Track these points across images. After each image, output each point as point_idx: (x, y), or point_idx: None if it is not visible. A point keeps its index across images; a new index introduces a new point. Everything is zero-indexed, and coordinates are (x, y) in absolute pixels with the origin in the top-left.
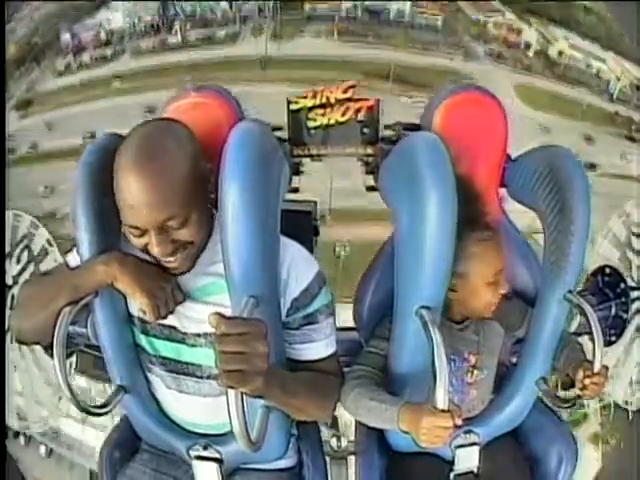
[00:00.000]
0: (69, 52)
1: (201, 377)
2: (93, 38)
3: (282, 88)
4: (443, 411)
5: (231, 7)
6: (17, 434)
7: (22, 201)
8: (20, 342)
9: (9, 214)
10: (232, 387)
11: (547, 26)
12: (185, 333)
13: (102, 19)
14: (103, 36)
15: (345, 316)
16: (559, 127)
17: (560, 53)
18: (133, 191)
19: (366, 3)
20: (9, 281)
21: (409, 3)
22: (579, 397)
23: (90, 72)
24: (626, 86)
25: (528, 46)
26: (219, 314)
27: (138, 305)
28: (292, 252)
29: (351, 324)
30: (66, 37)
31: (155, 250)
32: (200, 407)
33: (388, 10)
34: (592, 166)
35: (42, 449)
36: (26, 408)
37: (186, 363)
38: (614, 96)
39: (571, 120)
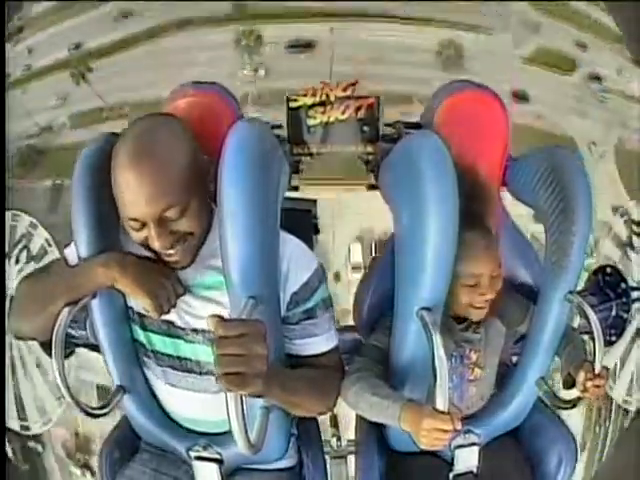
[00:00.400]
0: None
1: (200, 373)
2: None
3: None
4: (443, 413)
5: None
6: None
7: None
8: (17, 337)
9: (8, 214)
10: (231, 390)
11: None
12: (183, 328)
13: None
14: None
15: None
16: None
17: None
18: (131, 183)
19: None
20: (9, 281)
21: None
22: (580, 398)
23: None
24: None
25: None
26: (217, 316)
27: (140, 304)
28: (292, 247)
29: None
30: None
31: (155, 243)
32: (199, 403)
33: None
34: (597, 78)
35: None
36: (26, 408)
37: (184, 359)
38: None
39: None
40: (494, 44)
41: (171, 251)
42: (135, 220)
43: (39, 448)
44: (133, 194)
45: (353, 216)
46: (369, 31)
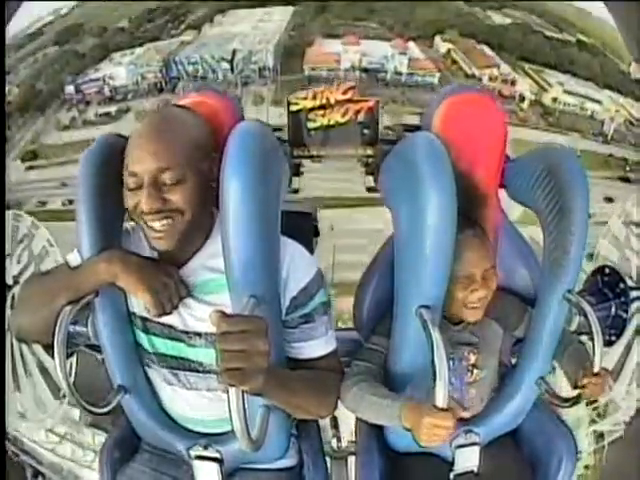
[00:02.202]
0: (73, 105)
1: (202, 372)
2: (97, 93)
3: None
4: (443, 410)
5: (232, 70)
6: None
7: None
8: (20, 340)
9: (9, 214)
10: (233, 385)
11: (541, 73)
12: (184, 332)
13: (105, 74)
14: (107, 92)
15: None
16: None
17: (554, 100)
18: (142, 139)
19: (363, 63)
20: (9, 281)
21: (405, 62)
22: (579, 397)
23: (95, 130)
24: (621, 124)
25: (522, 98)
26: (220, 312)
27: (141, 302)
28: (292, 251)
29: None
30: (70, 89)
31: (144, 204)
32: (201, 402)
33: (385, 70)
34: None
35: None
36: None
37: (187, 359)
38: (609, 137)
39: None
40: None
41: (157, 224)
42: (134, 176)
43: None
44: (139, 147)
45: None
46: None
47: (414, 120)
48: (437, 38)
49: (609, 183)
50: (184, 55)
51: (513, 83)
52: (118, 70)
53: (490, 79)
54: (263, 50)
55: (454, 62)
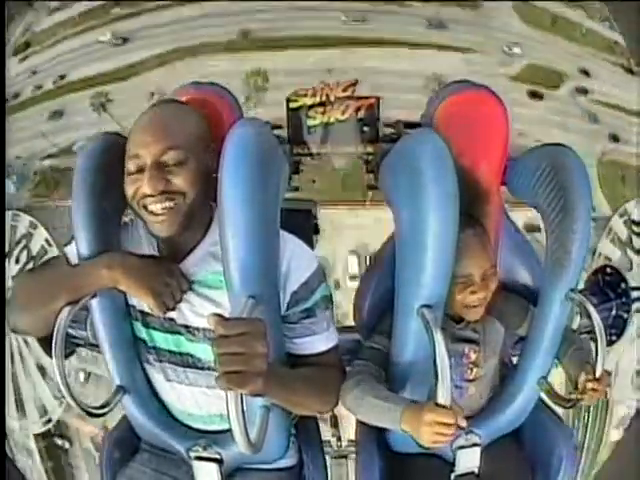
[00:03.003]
0: None
1: (202, 368)
2: None
3: None
4: (445, 407)
5: None
6: None
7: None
8: (14, 332)
9: (8, 214)
10: (231, 389)
11: None
12: (184, 326)
13: None
14: None
15: None
16: (556, 48)
17: None
18: (146, 123)
19: None
20: (9, 282)
21: None
22: (580, 398)
23: (88, 4)
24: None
25: None
26: (217, 315)
27: (144, 304)
28: (292, 246)
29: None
30: None
31: (146, 187)
32: (201, 399)
33: None
34: (584, 91)
35: (81, 375)
36: (26, 408)
37: (186, 354)
38: (614, 26)
39: (569, 42)
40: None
41: (159, 206)
42: (136, 158)
43: (66, 445)
44: (142, 131)
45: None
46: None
47: None
48: None
49: (612, 68)
50: None
51: None
52: None
53: None
54: None
55: None
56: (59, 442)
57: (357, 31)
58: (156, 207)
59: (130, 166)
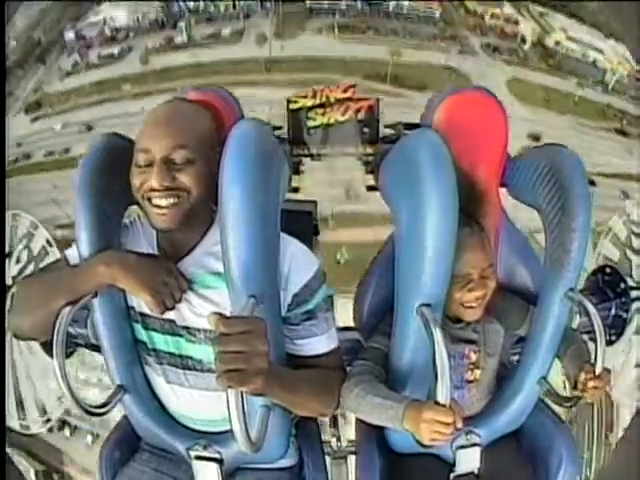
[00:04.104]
0: (75, 51)
1: (202, 370)
2: (98, 35)
3: (286, 91)
4: (444, 406)
5: (234, 6)
6: (62, 426)
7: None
8: (16, 337)
9: (9, 214)
10: (232, 387)
11: (546, 15)
12: (184, 327)
13: (106, 16)
14: (108, 33)
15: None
16: (548, 123)
17: (557, 43)
18: (156, 118)
19: None
20: (9, 281)
21: None
22: (580, 397)
23: (98, 72)
24: (623, 76)
25: (524, 39)
26: (218, 314)
27: (143, 302)
28: (292, 248)
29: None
30: (70, 35)
31: (154, 179)
32: (201, 401)
33: (387, 2)
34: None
35: (89, 438)
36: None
37: (185, 357)
38: (609, 86)
39: (561, 115)
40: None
41: (164, 201)
42: (146, 152)
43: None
44: (154, 125)
45: None
46: None
47: (413, 56)
48: None
49: (604, 134)
50: None
51: (516, 23)
52: (118, 11)
53: (492, 17)
54: None
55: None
56: None
57: None
58: (161, 201)
59: (139, 158)
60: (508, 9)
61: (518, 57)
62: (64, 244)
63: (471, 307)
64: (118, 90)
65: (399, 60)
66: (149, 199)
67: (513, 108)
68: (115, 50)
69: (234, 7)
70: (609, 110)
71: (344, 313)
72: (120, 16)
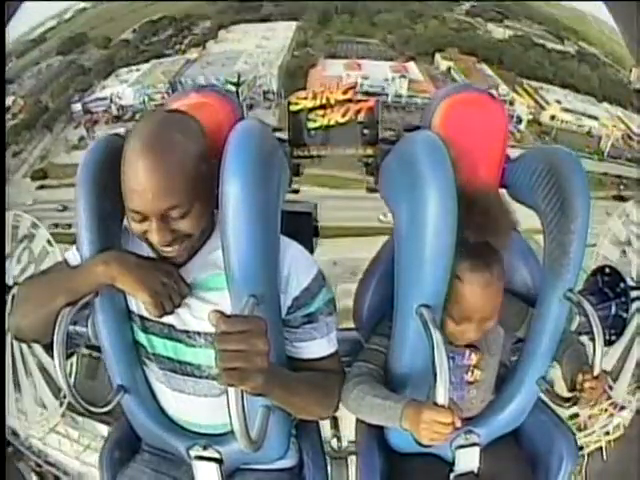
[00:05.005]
0: (81, 125)
1: (200, 377)
2: (104, 112)
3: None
4: (443, 407)
5: (237, 94)
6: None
7: None
8: (18, 339)
9: (9, 214)
10: (232, 385)
11: (540, 90)
12: (184, 331)
13: (112, 93)
14: (114, 111)
15: None
16: None
17: (552, 118)
18: (140, 176)
19: (365, 87)
20: (9, 281)
21: (406, 84)
22: (578, 398)
23: None
24: (618, 139)
25: (520, 120)
26: (219, 312)
27: (141, 304)
28: (292, 251)
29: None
30: (77, 107)
31: (154, 238)
32: (200, 407)
33: (386, 94)
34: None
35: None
36: (27, 409)
37: (185, 362)
38: (605, 153)
39: None
40: None
41: (169, 248)
42: (137, 213)
43: None
44: (140, 186)
45: None
46: None
47: None
48: (437, 56)
49: (604, 203)
50: (189, 75)
51: (511, 103)
52: (124, 89)
53: None
54: (267, 75)
55: (454, 81)
56: None
57: None
58: (165, 249)
59: (133, 216)
60: (503, 88)
61: (514, 139)
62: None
63: (462, 340)
64: None
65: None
66: (152, 243)
67: None
68: (121, 130)
69: (237, 97)
70: (606, 178)
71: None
72: (126, 95)
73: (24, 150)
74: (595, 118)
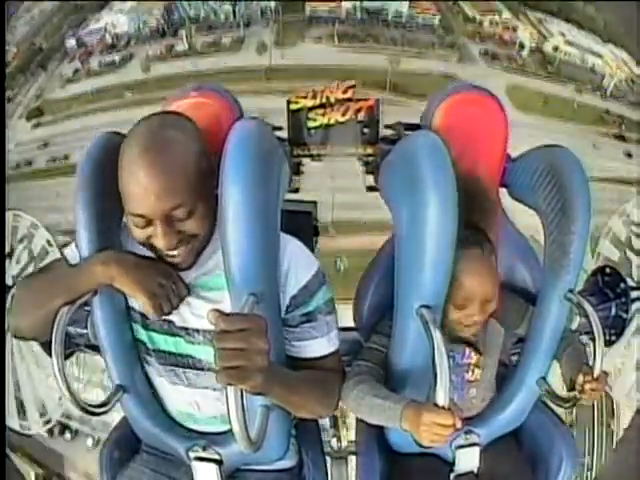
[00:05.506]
0: (76, 58)
1: (202, 369)
2: (99, 42)
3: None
4: (444, 409)
5: (234, 14)
6: (63, 430)
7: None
8: (17, 337)
9: (9, 214)
10: (231, 384)
11: (543, 21)
12: (183, 328)
13: (107, 23)
14: (109, 40)
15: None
16: (547, 129)
17: (555, 49)
18: (141, 179)
19: (365, 4)
20: (9, 281)
21: (406, 3)
22: (578, 399)
23: (99, 80)
24: (622, 81)
25: (522, 46)
26: (218, 311)
27: (139, 304)
28: (292, 248)
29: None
30: (71, 42)
31: (160, 242)
32: (200, 400)
33: (386, 11)
34: None
35: (89, 441)
36: (27, 408)
37: (186, 355)
38: (607, 92)
39: (560, 121)
40: None
41: (174, 252)
42: (141, 217)
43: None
44: (142, 189)
45: None
46: None
47: (411, 64)
48: None
49: (603, 139)
50: None
51: (514, 29)
52: (119, 18)
53: (491, 24)
54: None
55: (456, 4)
56: None
57: None
58: (172, 252)
59: (136, 221)
60: (506, 15)
61: (517, 64)
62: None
63: (468, 326)
64: (119, 97)
65: (398, 68)
66: (157, 249)
67: (512, 115)
68: (116, 57)
69: (234, 16)
70: (608, 116)
71: (346, 321)
72: (121, 23)
73: (19, 94)
74: (599, 56)
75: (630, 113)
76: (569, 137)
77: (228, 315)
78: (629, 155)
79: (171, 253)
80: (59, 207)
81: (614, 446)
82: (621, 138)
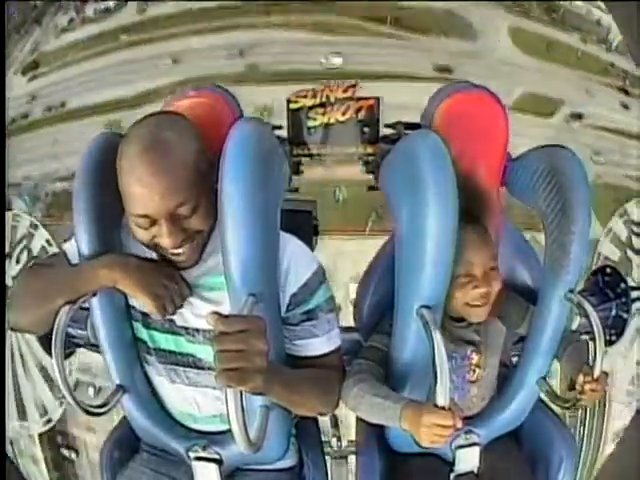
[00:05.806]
0: (70, 8)
1: (202, 368)
2: None
3: (285, 34)
4: (444, 409)
5: None
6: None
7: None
8: (13, 330)
9: (9, 215)
10: (231, 386)
11: None
12: (183, 327)
13: None
14: None
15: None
16: (550, 74)
17: None
18: (144, 179)
19: None
20: (9, 281)
21: None
22: (578, 400)
23: (94, 27)
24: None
25: None
26: (217, 313)
27: (143, 306)
28: (292, 247)
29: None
30: None
31: (166, 241)
32: (200, 399)
33: None
34: (579, 116)
35: (91, 390)
36: (26, 408)
37: (187, 354)
38: (613, 45)
39: (563, 67)
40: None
41: (179, 250)
42: (145, 217)
43: (72, 455)
44: (145, 189)
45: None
46: None
47: None
48: None
49: (606, 89)
50: None
51: None
52: None
53: None
54: None
55: None
56: (66, 453)
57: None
58: (177, 250)
59: (139, 222)
60: None
61: (522, 9)
62: (65, 197)
63: (477, 306)
64: (115, 41)
65: (398, 4)
66: (162, 248)
67: (514, 56)
68: (111, 3)
69: None
70: (612, 69)
71: (347, 258)
72: None
73: (14, 51)
74: (605, 10)
75: (634, 69)
76: (567, 82)
77: (227, 317)
78: (625, 107)
79: (176, 251)
80: (57, 153)
81: (613, 446)
82: (625, 92)
